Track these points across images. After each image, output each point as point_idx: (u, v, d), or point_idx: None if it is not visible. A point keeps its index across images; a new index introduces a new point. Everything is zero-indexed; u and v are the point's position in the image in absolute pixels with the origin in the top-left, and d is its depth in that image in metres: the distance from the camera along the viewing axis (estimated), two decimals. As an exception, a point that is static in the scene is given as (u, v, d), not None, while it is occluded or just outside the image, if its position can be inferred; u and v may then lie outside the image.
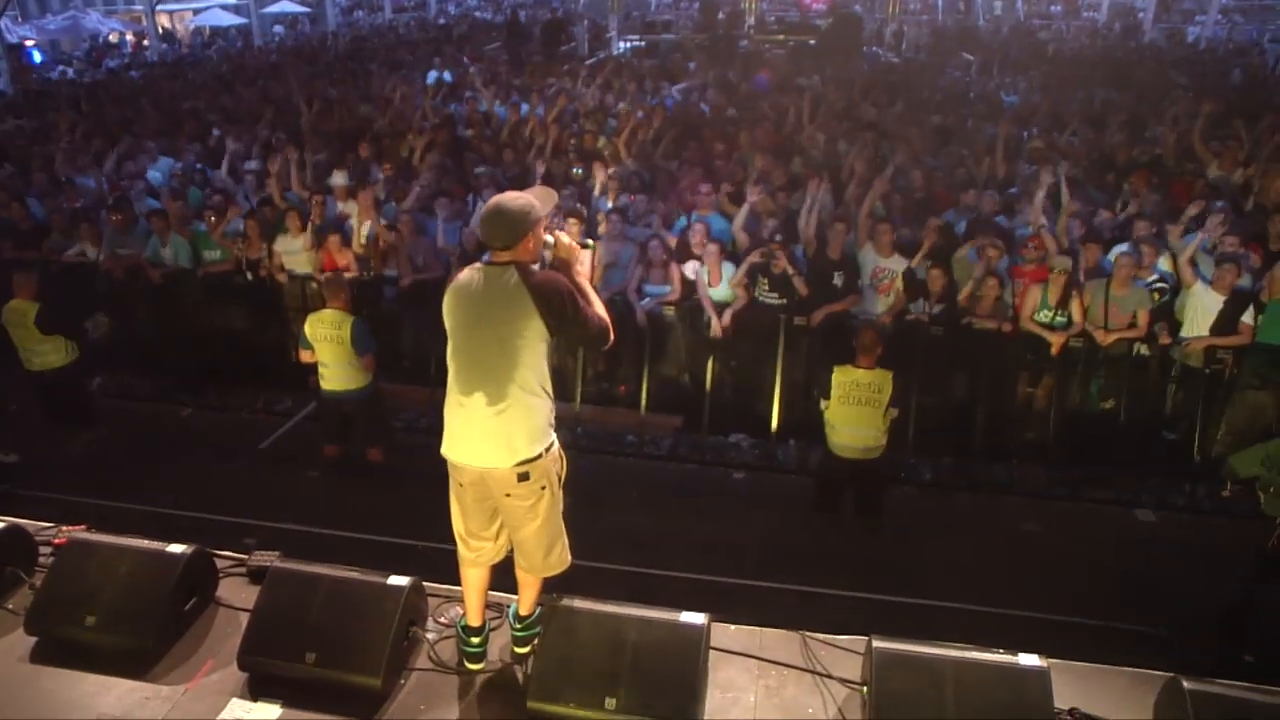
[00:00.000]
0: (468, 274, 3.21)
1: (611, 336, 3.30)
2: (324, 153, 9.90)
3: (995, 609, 5.13)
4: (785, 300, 7.40)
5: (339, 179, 8.87)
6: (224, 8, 27.91)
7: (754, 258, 7.40)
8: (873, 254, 7.42)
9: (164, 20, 27.78)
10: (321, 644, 3.37)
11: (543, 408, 3.21)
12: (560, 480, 3.36)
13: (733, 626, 3.75)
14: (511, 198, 3.15)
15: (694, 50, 19.27)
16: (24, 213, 8.34)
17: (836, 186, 8.74)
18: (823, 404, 6.04)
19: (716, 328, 7.39)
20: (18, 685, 3.43)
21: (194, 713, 3.31)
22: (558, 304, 3.12)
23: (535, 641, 3.53)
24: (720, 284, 7.57)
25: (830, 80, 14.46)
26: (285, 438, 7.48)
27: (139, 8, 23.26)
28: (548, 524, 3.35)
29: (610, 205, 8.42)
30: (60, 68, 21.80)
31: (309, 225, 7.92)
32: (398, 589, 3.50)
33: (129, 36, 27.04)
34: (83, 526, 4.08)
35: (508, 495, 3.23)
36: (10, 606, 3.76)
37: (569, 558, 3.50)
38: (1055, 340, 6.81)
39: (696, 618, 3.42)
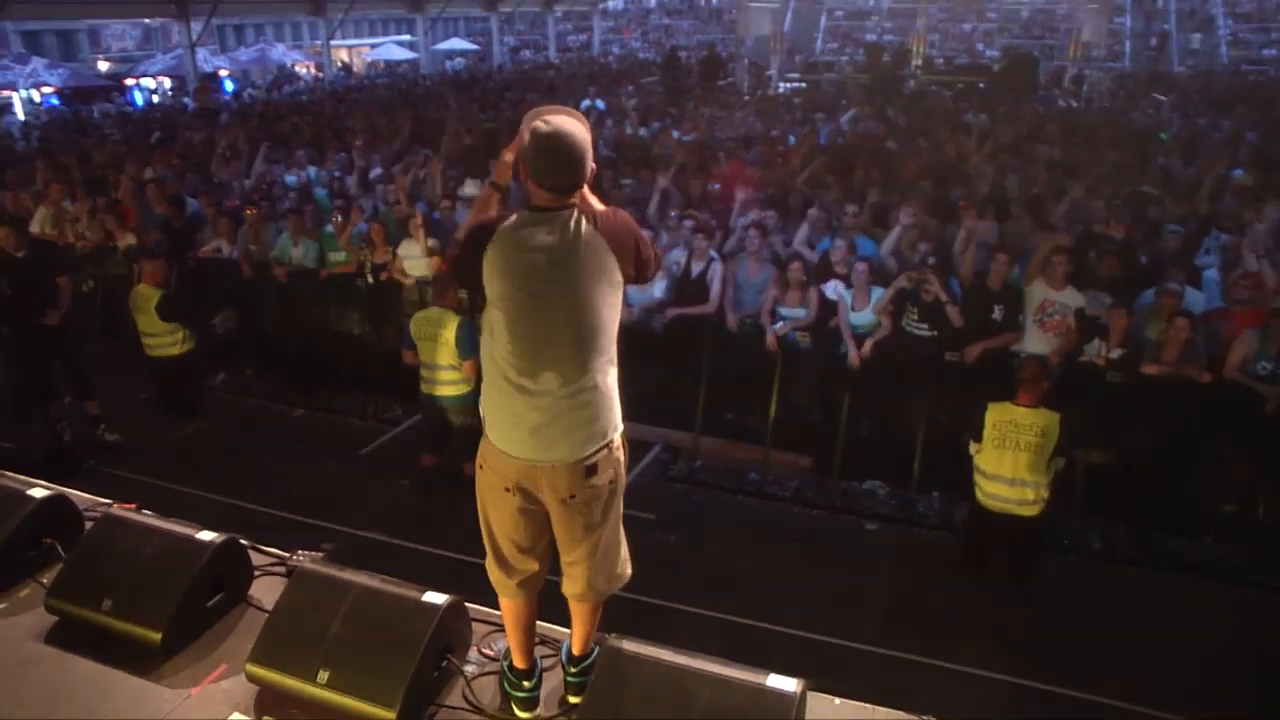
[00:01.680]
0: (518, 223, 2.44)
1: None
2: (460, 166, 9.88)
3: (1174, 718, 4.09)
4: (936, 332, 6.54)
5: (470, 188, 8.74)
6: (398, 44, 29.48)
7: (902, 282, 6.60)
8: (1043, 287, 6.46)
9: (343, 54, 29.69)
10: (338, 661, 2.85)
11: (614, 384, 2.61)
12: (626, 475, 2.73)
13: (838, 700, 2.97)
14: (565, 120, 2.43)
15: (854, 89, 18.58)
16: (176, 212, 8.59)
17: (1000, 219, 7.85)
18: (972, 447, 5.15)
19: (854, 358, 6.60)
20: (21, 665, 3.09)
21: (194, 722, 2.86)
22: (634, 245, 2.52)
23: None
24: (865, 309, 6.79)
25: (1001, 117, 13.45)
26: (388, 444, 7.20)
27: (320, 42, 24.81)
28: (611, 530, 2.72)
29: (748, 221, 7.82)
30: (248, 92, 23.52)
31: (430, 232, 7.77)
32: (431, 607, 2.94)
33: (310, 68, 28.99)
34: (133, 506, 3.77)
35: (571, 497, 2.58)
36: (44, 580, 3.46)
37: (629, 571, 2.85)
38: (1274, 395, 5.61)
39: (788, 683, 2.67)
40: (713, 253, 7.39)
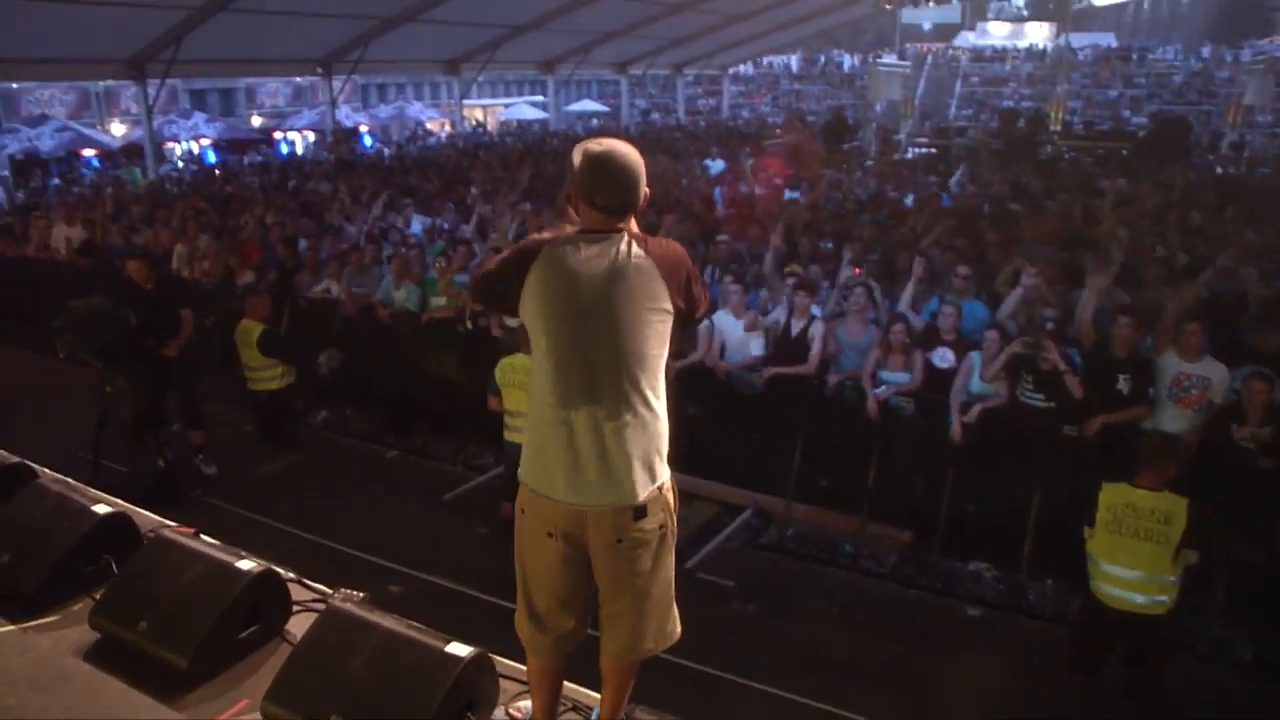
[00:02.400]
0: (566, 242, 2.33)
1: None
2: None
3: None
4: (1053, 403, 6.00)
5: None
6: (530, 104, 30.68)
7: (1016, 347, 6.11)
8: (1175, 359, 5.85)
9: (478, 113, 31.15)
10: (352, 706, 2.69)
11: (664, 424, 2.44)
12: (677, 519, 2.51)
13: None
14: (617, 143, 2.34)
15: (986, 153, 17.97)
16: (290, 253, 8.99)
17: (1131, 287, 7.24)
18: (1086, 532, 4.61)
19: (956, 429, 6.13)
20: (56, 679, 3.08)
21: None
22: (686, 277, 2.37)
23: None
24: (978, 376, 6.33)
25: (1143, 182, 12.64)
26: (474, 491, 7.14)
27: (454, 101, 26.16)
28: (662, 580, 2.50)
29: (854, 281, 7.48)
30: (386, 149, 24.95)
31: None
32: (453, 659, 2.75)
33: (445, 125, 30.52)
34: (191, 531, 3.77)
35: (618, 542, 2.38)
36: (97, 597, 3.47)
37: (679, 629, 2.60)
38: None
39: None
40: (815, 310, 7.09)
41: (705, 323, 7.19)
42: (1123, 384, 5.81)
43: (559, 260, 2.32)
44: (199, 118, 24.05)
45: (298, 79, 25.47)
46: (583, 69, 25.86)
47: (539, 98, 31.31)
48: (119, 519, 3.65)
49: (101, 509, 3.64)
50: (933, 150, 20.98)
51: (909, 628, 5.65)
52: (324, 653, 2.87)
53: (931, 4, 26.56)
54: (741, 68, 38.46)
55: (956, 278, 7.22)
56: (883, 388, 6.56)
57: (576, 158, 2.36)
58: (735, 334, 7.16)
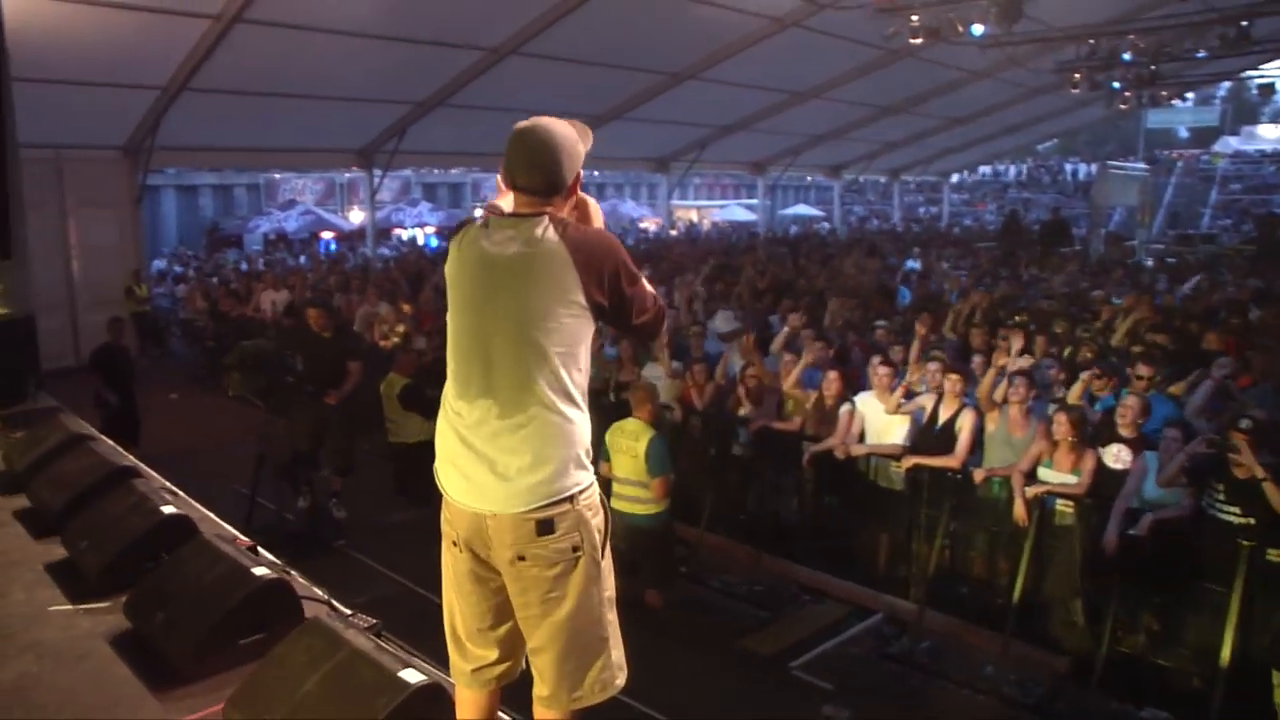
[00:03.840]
0: (480, 228, 2.19)
1: (662, 328, 2.23)
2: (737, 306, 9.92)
3: None
4: (1251, 519, 4.98)
5: (722, 322, 8.64)
6: (743, 206, 31.22)
7: (1200, 447, 5.18)
8: None
9: (692, 214, 32.07)
10: (294, 717, 2.57)
11: (577, 428, 2.16)
12: (603, 545, 2.19)
13: None
14: (554, 121, 2.16)
15: (1237, 261, 16.05)
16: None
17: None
18: (1274, 677, 3.70)
19: (1110, 540, 5.24)
20: (76, 658, 3.20)
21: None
22: (612, 270, 2.11)
23: None
24: (1153, 479, 5.43)
25: None
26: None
27: (673, 200, 27.12)
28: (583, 613, 2.16)
29: (1018, 369, 6.76)
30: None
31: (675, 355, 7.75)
32: (401, 684, 2.56)
33: (656, 223, 31.74)
34: (248, 544, 3.89)
35: (520, 559, 2.12)
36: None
37: (619, 680, 2.24)
38: None
39: None
40: (967, 399, 6.44)
41: (847, 404, 6.76)
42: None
43: (472, 243, 2.18)
44: (424, 207, 26.81)
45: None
46: (794, 171, 26.05)
47: (754, 201, 31.94)
48: (179, 522, 3.79)
49: (169, 509, 3.81)
50: (1171, 260, 19.03)
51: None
52: (289, 665, 2.78)
53: (1176, 103, 24.48)
54: (966, 174, 37.20)
55: (1138, 378, 6.29)
56: (1037, 487, 5.76)
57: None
58: (878, 419, 6.64)
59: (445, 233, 26.68)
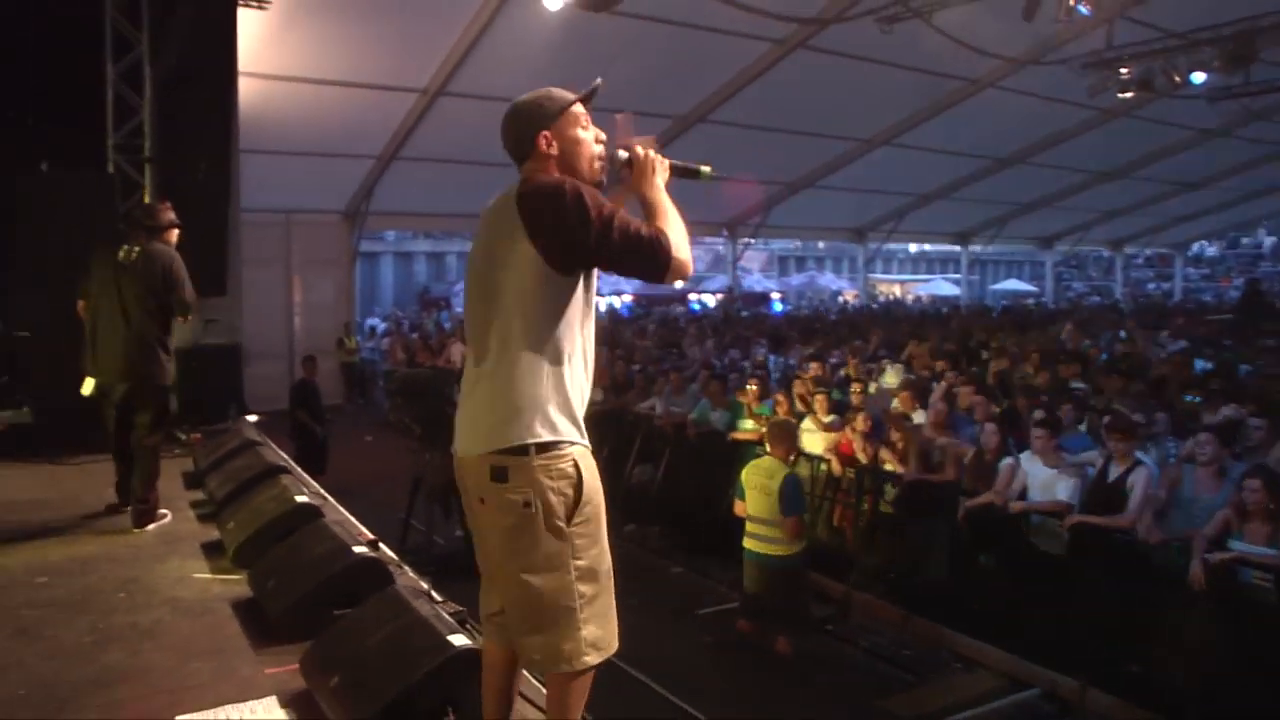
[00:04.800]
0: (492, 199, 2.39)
1: (673, 261, 2.17)
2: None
3: None
4: None
5: (890, 375, 8.39)
6: (949, 280, 29.99)
7: None
8: None
9: (895, 289, 31.16)
10: (352, 675, 2.73)
11: (544, 384, 2.14)
12: (572, 509, 2.13)
13: None
14: (527, 93, 2.30)
15: None
16: (623, 371, 9.87)
17: None
18: None
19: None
20: (200, 613, 3.60)
21: (230, 692, 2.96)
22: (548, 212, 2.11)
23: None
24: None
25: None
26: (729, 612, 6.81)
27: (874, 275, 26.60)
28: (538, 574, 2.11)
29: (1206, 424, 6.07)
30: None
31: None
32: (443, 646, 2.67)
33: (854, 295, 31.11)
34: (369, 537, 4.17)
35: (481, 501, 2.17)
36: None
37: (589, 658, 2.15)
38: None
39: None
40: (1142, 456, 5.83)
41: (1008, 459, 6.33)
42: None
43: (482, 212, 2.35)
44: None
45: (720, 248, 28.08)
46: (1001, 243, 24.86)
47: (959, 275, 30.75)
48: (309, 508, 4.16)
49: (302, 498, 4.19)
50: None
51: None
52: (361, 624, 2.98)
53: None
54: (1207, 245, 33.71)
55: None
56: (1229, 555, 5.07)
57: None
58: (1041, 474, 6.14)
59: (642, 300, 27.63)
